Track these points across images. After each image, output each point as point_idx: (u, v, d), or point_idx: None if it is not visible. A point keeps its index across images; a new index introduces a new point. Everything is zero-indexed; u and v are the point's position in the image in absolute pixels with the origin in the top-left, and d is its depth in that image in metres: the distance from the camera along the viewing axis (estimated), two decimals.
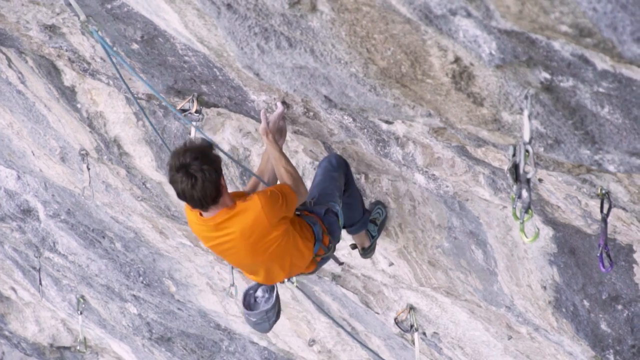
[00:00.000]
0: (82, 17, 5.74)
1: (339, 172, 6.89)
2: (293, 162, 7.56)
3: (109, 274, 13.03)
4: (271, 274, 6.62)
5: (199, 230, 6.20)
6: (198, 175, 5.68)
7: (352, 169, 7.39)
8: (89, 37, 7.02)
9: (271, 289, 7.01)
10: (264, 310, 7.01)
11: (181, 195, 5.82)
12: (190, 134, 8.12)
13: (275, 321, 7.19)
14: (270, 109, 6.55)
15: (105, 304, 14.30)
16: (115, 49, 7.05)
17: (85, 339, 15.47)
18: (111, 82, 7.83)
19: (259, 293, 7.04)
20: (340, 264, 7.32)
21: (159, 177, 9.28)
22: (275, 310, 7.09)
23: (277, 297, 7.03)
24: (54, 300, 15.26)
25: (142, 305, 13.59)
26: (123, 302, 13.83)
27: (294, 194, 6.24)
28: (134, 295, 13.41)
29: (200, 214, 6.06)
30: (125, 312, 14.19)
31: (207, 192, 5.79)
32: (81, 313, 14.63)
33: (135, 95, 7.99)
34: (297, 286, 8.95)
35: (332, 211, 6.67)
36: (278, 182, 6.52)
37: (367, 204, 7.65)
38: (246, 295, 7.07)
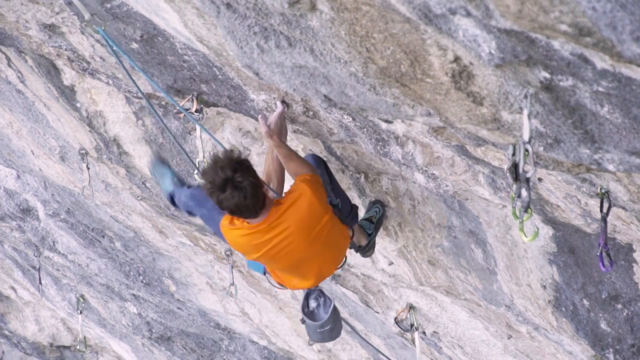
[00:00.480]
0: (87, 15, 5.74)
1: (321, 169, 6.91)
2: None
3: (108, 274, 13.03)
4: (324, 268, 6.66)
5: (249, 240, 6.20)
6: (246, 184, 5.70)
7: (352, 168, 7.39)
8: (89, 36, 7.02)
9: (319, 293, 7.03)
10: (331, 315, 7.07)
11: (236, 210, 5.85)
12: (190, 133, 8.13)
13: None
14: (270, 108, 6.55)
15: (105, 304, 14.31)
16: (115, 48, 7.05)
17: (85, 338, 15.47)
18: (111, 82, 7.83)
19: (313, 304, 7.08)
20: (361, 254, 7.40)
21: None
22: (335, 307, 7.17)
23: (328, 295, 7.09)
24: (54, 299, 15.27)
25: (142, 304, 13.60)
26: (123, 301, 13.83)
27: (321, 179, 6.31)
28: (133, 295, 13.41)
29: (248, 222, 6.07)
30: (125, 312, 14.20)
31: (259, 198, 5.85)
32: (81, 312, 14.63)
33: (137, 94, 7.99)
34: None
35: (333, 204, 6.68)
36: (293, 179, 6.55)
37: (365, 203, 7.65)
38: (308, 315, 7.11)
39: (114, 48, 5.93)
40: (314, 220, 6.20)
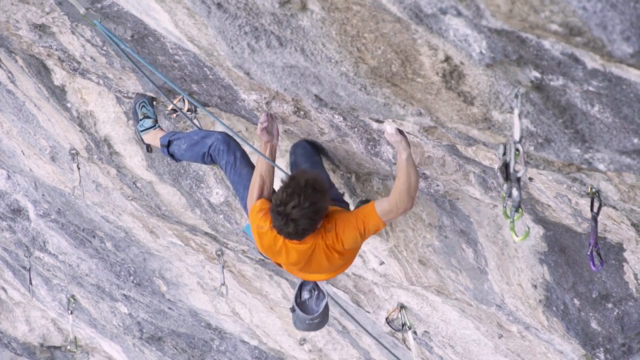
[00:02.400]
0: (82, 10, 5.75)
1: (318, 156, 6.91)
2: (282, 161, 7.56)
3: (99, 274, 13.01)
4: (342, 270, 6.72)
5: (288, 250, 6.21)
6: (300, 227, 5.80)
7: (343, 168, 7.39)
8: (79, 36, 7.01)
9: (314, 286, 7.01)
10: (322, 309, 7.05)
11: (280, 234, 5.92)
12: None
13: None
14: (261, 108, 6.54)
15: (96, 304, 14.28)
16: (105, 48, 7.04)
17: (75, 338, 15.44)
18: (101, 82, 7.82)
19: (305, 295, 7.06)
20: None
21: (149, 176, 9.27)
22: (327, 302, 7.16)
23: (322, 288, 7.07)
24: (45, 299, 15.24)
25: (133, 304, 13.58)
26: (113, 301, 13.82)
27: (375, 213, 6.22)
28: (124, 295, 13.40)
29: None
30: (115, 312, 14.18)
31: (309, 233, 5.92)
32: (71, 313, 14.60)
33: (125, 95, 7.99)
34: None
35: (337, 199, 6.68)
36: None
37: (355, 202, 7.66)
38: (300, 305, 7.08)
39: (115, 40, 5.93)
40: (357, 243, 6.22)
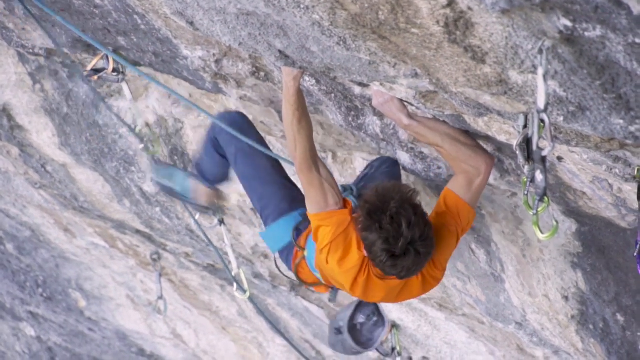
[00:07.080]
0: None
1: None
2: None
3: None
4: None
5: (367, 282, 6.09)
6: (426, 252, 5.68)
7: (317, 145, 7.37)
8: None
9: (374, 311, 6.97)
10: (381, 335, 7.06)
11: (396, 274, 5.77)
12: (105, 100, 8.10)
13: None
14: (209, 68, 6.55)
15: None
16: None
17: None
18: None
19: (360, 318, 7.06)
20: None
21: (63, 157, 9.27)
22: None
23: (385, 315, 7.06)
24: None
25: (42, 325, 13.59)
26: (16, 321, 13.82)
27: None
28: (30, 313, 13.40)
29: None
30: (19, 335, 14.18)
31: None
32: None
33: (30, 51, 7.97)
34: (249, 298, 8.96)
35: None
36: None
37: None
38: (350, 329, 7.04)
39: None
40: (453, 250, 6.18)
